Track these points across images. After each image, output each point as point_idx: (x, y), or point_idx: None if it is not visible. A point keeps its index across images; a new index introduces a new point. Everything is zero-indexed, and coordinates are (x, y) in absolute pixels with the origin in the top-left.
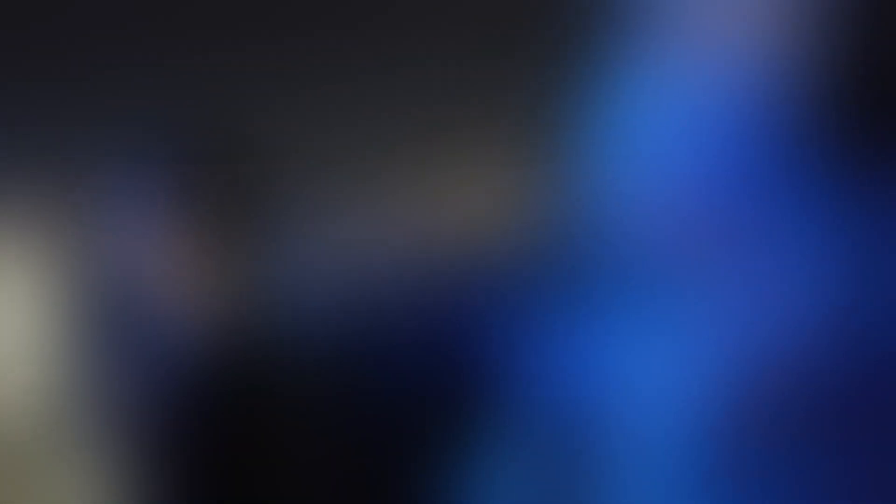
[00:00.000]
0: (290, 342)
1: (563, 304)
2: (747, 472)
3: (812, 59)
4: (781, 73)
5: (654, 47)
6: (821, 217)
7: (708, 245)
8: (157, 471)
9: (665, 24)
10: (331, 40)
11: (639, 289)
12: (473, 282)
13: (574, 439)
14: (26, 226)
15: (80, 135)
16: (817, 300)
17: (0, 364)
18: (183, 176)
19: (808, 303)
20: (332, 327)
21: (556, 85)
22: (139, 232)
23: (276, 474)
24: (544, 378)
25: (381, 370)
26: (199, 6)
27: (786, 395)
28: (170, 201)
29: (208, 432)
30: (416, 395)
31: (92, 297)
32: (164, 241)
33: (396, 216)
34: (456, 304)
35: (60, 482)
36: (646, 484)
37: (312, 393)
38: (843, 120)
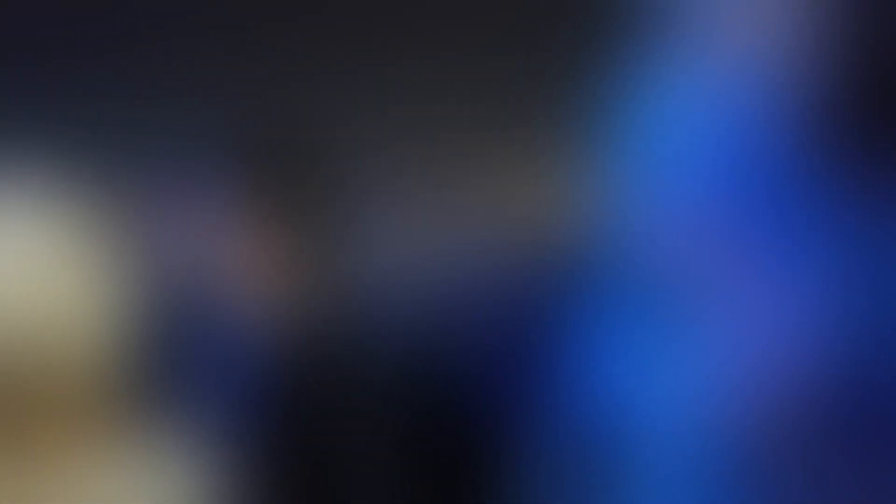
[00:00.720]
0: (354, 336)
1: (588, 306)
2: (770, 476)
3: (830, 62)
4: (802, 75)
5: (679, 50)
6: (839, 221)
7: (728, 249)
8: (227, 464)
9: (687, 26)
10: (396, 39)
11: (660, 292)
12: (508, 281)
13: (597, 443)
14: (101, 222)
15: (156, 133)
16: (837, 304)
17: (74, 360)
18: (254, 172)
19: (827, 307)
20: (394, 324)
21: (580, 89)
22: (211, 227)
23: (337, 466)
24: (575, 380)
25: (433, 364)
26: (262, 9)
27: (807, 401)
28: (241, 198)
29: (278, 426)
30: (467, 390)
31: (164, 292)
32: (236, 236)
33: (459, 211)
34: (502, 304)
35: (132, 476)
36: (665, 486)
37: (368, 386)
38: (862, 123)
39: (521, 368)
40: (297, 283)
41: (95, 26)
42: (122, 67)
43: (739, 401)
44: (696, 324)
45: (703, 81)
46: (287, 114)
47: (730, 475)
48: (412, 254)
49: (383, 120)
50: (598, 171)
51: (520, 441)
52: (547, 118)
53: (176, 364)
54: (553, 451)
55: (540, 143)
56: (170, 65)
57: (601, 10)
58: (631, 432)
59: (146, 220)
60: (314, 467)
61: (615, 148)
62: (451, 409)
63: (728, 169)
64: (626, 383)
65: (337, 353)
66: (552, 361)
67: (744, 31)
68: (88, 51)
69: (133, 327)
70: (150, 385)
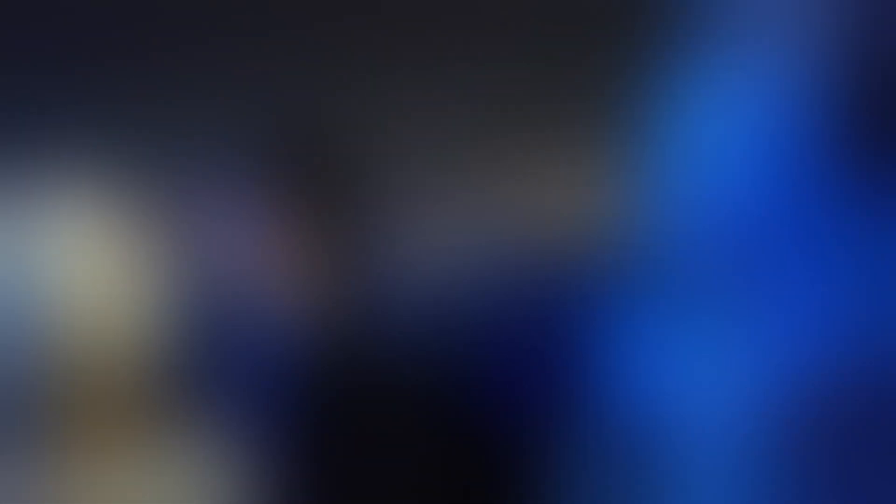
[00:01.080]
0: (384, 337)
1: (615, 306)
2: (814, 476)
3: (855, 61)
4: (826, 74)
5: (706, 49)
6: (867, 217)
7: (756, 246)
8: (259, 463)
9: (714, 26)
10: (435, 39)
11: (689, 289)
12: (552, 277)
13: (625, 444)
14: (134, 225)
15: (188, 131)
16: (865, 301)
17: (111, 359)
18: (286, 174)
19: (855, 303)
20: (425, 324)
21: (606, 88)
22: (244, 229)
23: (367, 467)
24: (606, 380)
25: (471, 361)
26: (297, 10)
27: (835, 399)
28: (273, 199)
29: (310, 425)
30: (507, 385)
31: (196, 294)
32: (268, 238)
33: (487, 211)
34: (543, 297)
35: (166, 474)
36: (693, 484)
37: (404, 383)
38: (890, 120)
39: (553, 369)
40: (328, 283)
41: (134, 30)
42: (157, 70)
43: (768, 398)
44: (725, 321)
45: (730, 81)
46: (321, 117)
47: (756, 471)
48: (442, 255)
49: (414, 122)
50: (624, 169)
51: (550, 441)
52: (574, 117)
53: (209, 364)
54: (581, 450)
55: (568, 141)
56: (205, 67)
57: (625, 10)
58: (661, 431)
59: (179, 222)
60: (345, 467)
61: (640, 146)
62: (482, 410)
63: (758, 166)
64: (656, 382)
65: (368, 354)
66: (582, 361)
67: (769, 30)
68: (124, 54)
69: (164, 328)
70: (183, 385)
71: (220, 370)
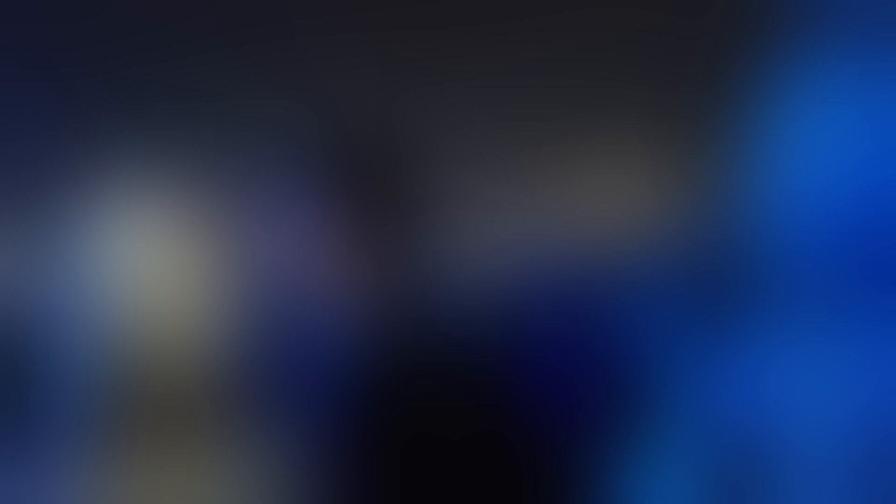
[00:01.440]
0: (445, 338)
1: (714, 313)
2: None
3: None
4: None
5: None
6: None
7: (868, 261)
8: (321, 464)
9: (808, 32)
10: (489, 42)
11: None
12: (618, 282)
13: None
14: (196, 228)
15: (248, 137)
16: None
17: (174, 363)
18: (344, 174)
19: None
20: (482, 324)
21: (706, 88)
22: (298, 229)
23: (429, 466)
24: (689, 385)
25: (526, 366)
26: (361, 12)
27: None
28: (337, 201)
29: (372, 424)
30: (561, 388)
31: (256, 295)
32: (331, 239)
33: (545, 216)
34: (605, 304)
35: (229, 475)
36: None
37: (458, 385)
38: None
39: (612, 371)
40: (390, 284)
41: (198, 34)
42: (222, 75)
43: (863, 418)
44: (815, 334)
45: (823, 85)
46: (381, 121)
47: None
48: (504, 256)
49: (476, 123)
50: (700, 174)
51: (606, 446)
52: (646, 120)
53: (269, 367)
54: (640, 457)
55: (641, 147)
56: (269, 69)
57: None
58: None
59: (239, 227)
60: (406, 466)
61: (714, 152)
62: (538, 414)
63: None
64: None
65: (429, 355)
66: (647, 365)
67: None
68: (191, 59)
69: (225, 332)
70: (243, 386)
71: (280, 373)
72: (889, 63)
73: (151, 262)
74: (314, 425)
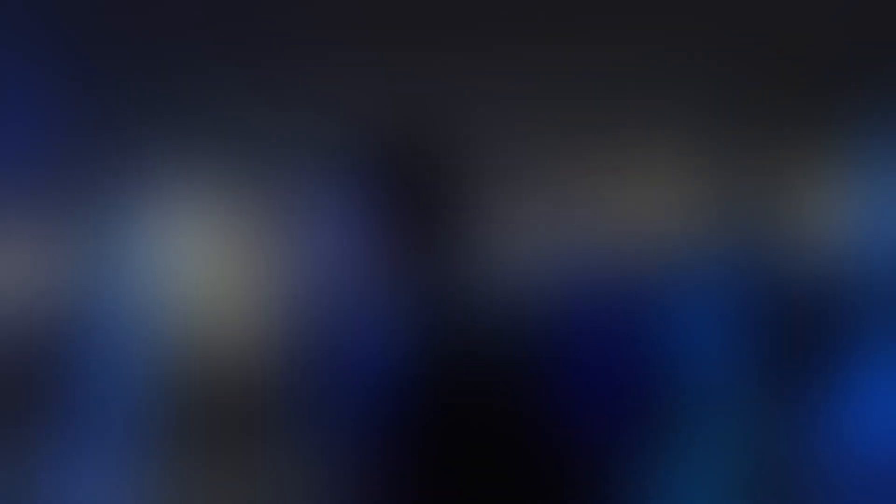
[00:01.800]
0: (485, 341)
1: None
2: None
3: None
4: None
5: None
6: None
7: None
8: (361, 466)
9: None
10: (539, 46)
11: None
12: (660, 282)
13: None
14: (247, 226)
15: (297, 138)
16: None
17: (216, 362)
18: (391, 175)
19: None
20: (531, 325)
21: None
22: (342, 232)
23: (473, 470)
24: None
25: (567, 368)
26: (392, 10)
27: None
28: (374, 202)
29: (419, 428)
30: (602, 391)
31: (297, 296)
32: (368, 241)
33: (586, 219)
34: (647, 304)
35: (284, 476)
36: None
37: (508, 386)
38: None
39: (660, 374)
40: (431, 286)
41: (248, 35)
42: (271, 76)
43: None
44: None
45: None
46: (420, 117)
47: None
48: (543, 255)
49: (516, 121)
50: (750, 173)
51: (657, 448)
52: (691, 120)
53: (320, 366)
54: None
55: (684, 147)
56: (302, 69)
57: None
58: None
59: (288, 227)
60: (450, 465)
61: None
62: (586, 412)
63: None
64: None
65: (470, 357)
66: (688, 366)
67: None
68: (241, 59)
69: (274, 332)
70: (295, 387)
71: (326, 374)
72: None
73: (200, 266)
74: (360, 425)
